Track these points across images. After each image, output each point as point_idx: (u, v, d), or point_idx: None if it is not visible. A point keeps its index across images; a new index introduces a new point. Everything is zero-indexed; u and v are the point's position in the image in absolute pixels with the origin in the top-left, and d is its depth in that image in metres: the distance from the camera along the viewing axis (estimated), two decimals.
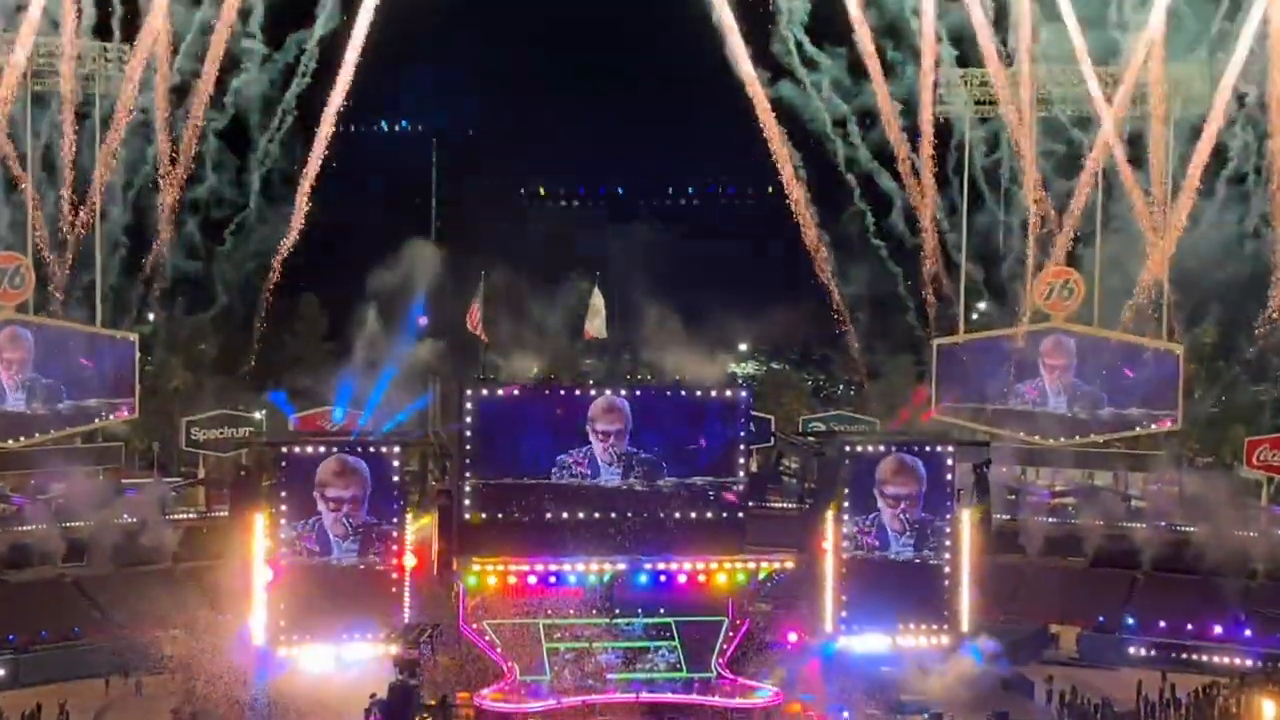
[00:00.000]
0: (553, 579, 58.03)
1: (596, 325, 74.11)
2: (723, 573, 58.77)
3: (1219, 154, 72.75)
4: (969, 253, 76.30)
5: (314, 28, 73.10)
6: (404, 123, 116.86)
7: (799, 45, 74.40)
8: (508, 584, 57.97)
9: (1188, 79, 72.67)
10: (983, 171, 76.27)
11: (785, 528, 64.10)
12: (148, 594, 61.51)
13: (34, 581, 65.19)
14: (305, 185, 73.58)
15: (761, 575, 59.22)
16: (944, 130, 75.49)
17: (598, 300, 72.80)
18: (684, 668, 57.97)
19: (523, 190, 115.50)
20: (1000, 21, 73.10)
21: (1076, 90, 73.36)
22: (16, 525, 65.97)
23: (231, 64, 72.94)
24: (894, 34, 74.09)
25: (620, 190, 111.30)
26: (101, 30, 70.32)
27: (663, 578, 58.53)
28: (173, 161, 72.38)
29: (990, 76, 73.44)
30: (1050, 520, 71.47)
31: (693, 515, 60.05)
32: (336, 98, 72.53)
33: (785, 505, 70.41)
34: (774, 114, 74.66)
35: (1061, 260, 74.48)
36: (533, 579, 57.80)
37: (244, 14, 72.29)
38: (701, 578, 58.73)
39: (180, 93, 72.64)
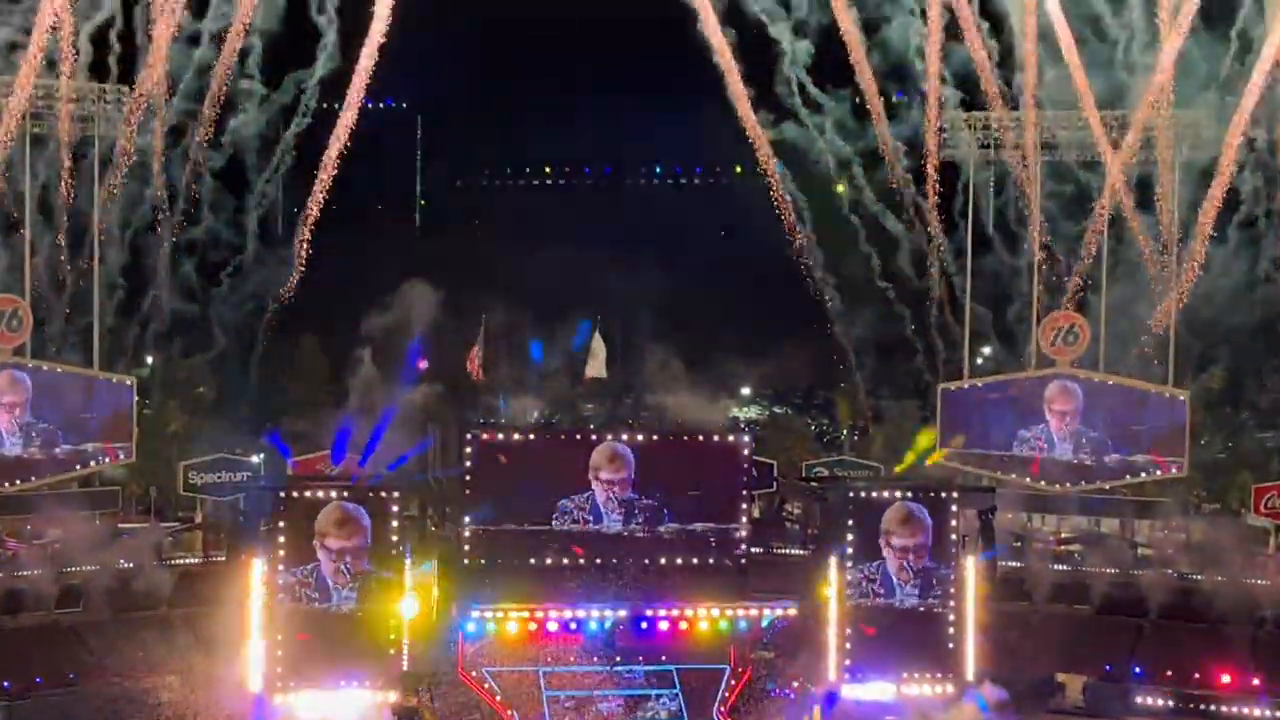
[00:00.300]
0: (553, 626, 58.58)
1: (596, 366, 74.57)
2: (725, 620, 59.45)
3: (1229, 198, 73.43)
4: (976, 296, 76.71)
5: (314, 68, 74.12)
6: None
7: (802, 87, 75.36)
8: (507, 631, 58.59)
9: (1196, 123, 73.32)
10: (989, 214, 76.95)
11: (788, 574, 64.70)
12: (143, 640, 61.96)
13: (29, 627, 65.44)
14: (305, 231, 74.28)
15: (764, 622, 59.85)
16: (950, 172, 76.22)
17: (598, 343, 73.36)
18: (685, 715, 58.65)
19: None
20: (1005, 61, 74.09)
21: (1083, 134, 73.89)
22: (11, 570, 66.20)
23: (229, 104, 73.86)
24: (898, 76, 75.14)
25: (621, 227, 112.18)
26: (98, 69, 71.02)
27: (664, 625, 59.21)
28: (170, 203, 73.20)
29: (995, 120, 74.24)
30: (1056, 567, 71.64)
31: (694, 561, 60.74)
32: (337, 142, 73.21)
33: (788, 551, 70.82)
34: (777, 156, 75.75)
35: (1072, 304, 75.07)
36: (533, 626, 58.47)
37: (242, 54, 73.16)
38: (703, 625, 59.40)
39: (178, 133, 73.54)
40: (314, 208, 73.99)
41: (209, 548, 71.02)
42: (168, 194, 73.56)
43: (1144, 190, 74.78)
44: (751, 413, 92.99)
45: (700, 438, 62.10)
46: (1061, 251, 76.15)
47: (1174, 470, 73.23)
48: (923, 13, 73.64)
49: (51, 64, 69.44)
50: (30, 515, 69.63)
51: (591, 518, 60.51)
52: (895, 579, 59.73)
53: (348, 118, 73.18)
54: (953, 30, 73.51)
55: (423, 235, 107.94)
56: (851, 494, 60.75)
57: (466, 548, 59.93)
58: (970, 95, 74.94)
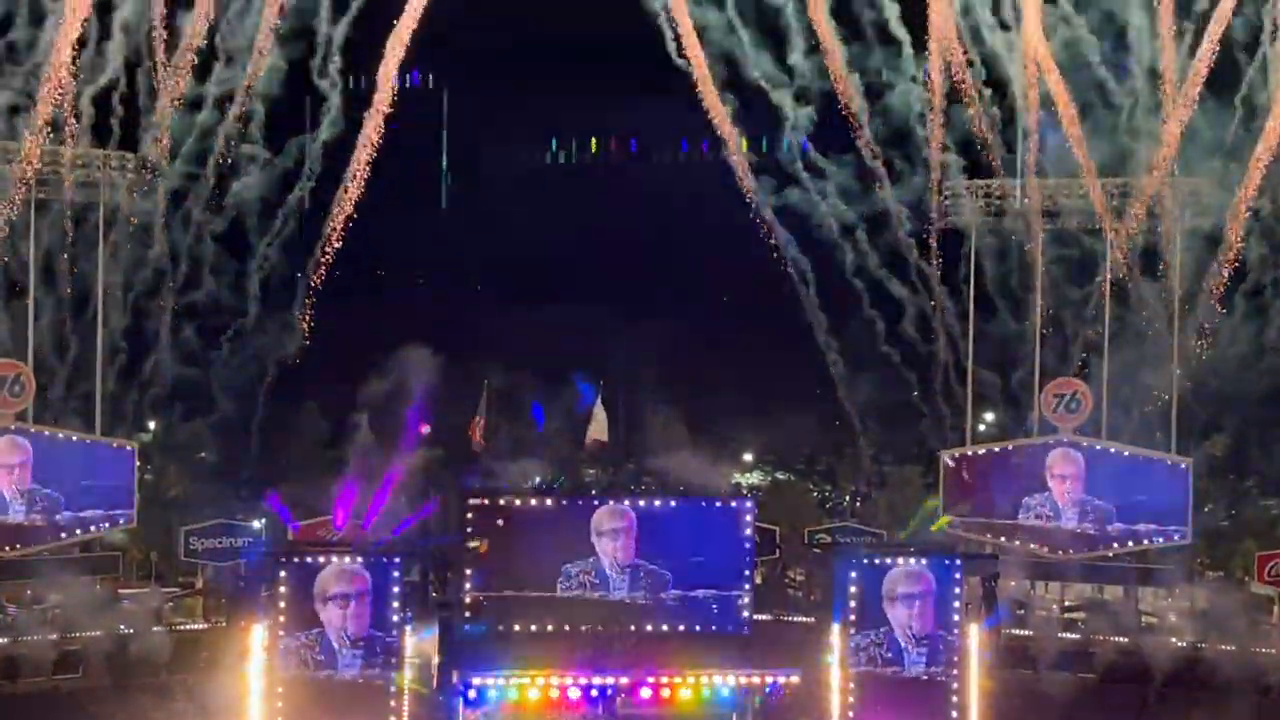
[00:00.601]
0: (555, 693, 59.13)
1: (598, 430, 75.30)
2: (727, 687, 59.91)
3: (1236, 267, 74.42)
4: (982, 362, 77.56)
5: (318, 132, 75.41)
6: None
7: (804, 152, 76.52)
8: (509, 698, 59.10)
9: (1200, 190, 74.50)
10: (994, 280, 77.86)
11: (791, 641, 65.16)
12: (142, 706, 62.85)
13: (28, 693, 66.21)
14: (308, 295, 75.55)
15: (766, 689, 60.28)
16: (955, 237, 77.24)
17: (599, 409, 74.17)
18: None
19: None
20: (1008, 128, 75.29)
21: (1086, 201, 74.98)
22: (11, 635, 66.87)
23: (231, 168, 75.10)
24: (900, 142, 76.28)
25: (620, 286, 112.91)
26: (100, 132, 72.25)
27: (666, 692, 59.62)
28: (174, 265, 74.30)
29: (997, 188, 75.37)
30: (1061, 635, 72.16)
31: (697, 628, 61.35)
32: (340, 212, 74.45)
33: (791, 618, 71.43)
34: (780, 221, 76.94)
35: (1075, 371, 75.89)
36: (534, 693, 58.97)
37: (245, 119, 74.39)
38: (706, 692, 59.83)
39: (179, 197, 74.72)
40: (316, 277, 75.21)
41: (210, 613, 71.86)
42: (169, 258, 74.78)
43: (1150, 256, 75.85)
44: (754, 478, 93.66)
45: (703, 503, 62.86)
46: (1066, 317, 77.13)
47: (1177, 538, 73.91)
48: (925, 79, 75.27)
49: (54, 127, 70.88)
50: (30, 580, 70.51)
51: (597, 581, 61.23)
52: (898, 644, 60.28)
53: (351, 191, 74.62)
54: (955, 95, 75.10)
55: (427, 299, 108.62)
56: (855, 559, 61.36)
57: (468, 614, 60.62)
58: (973, 161, 76.33)
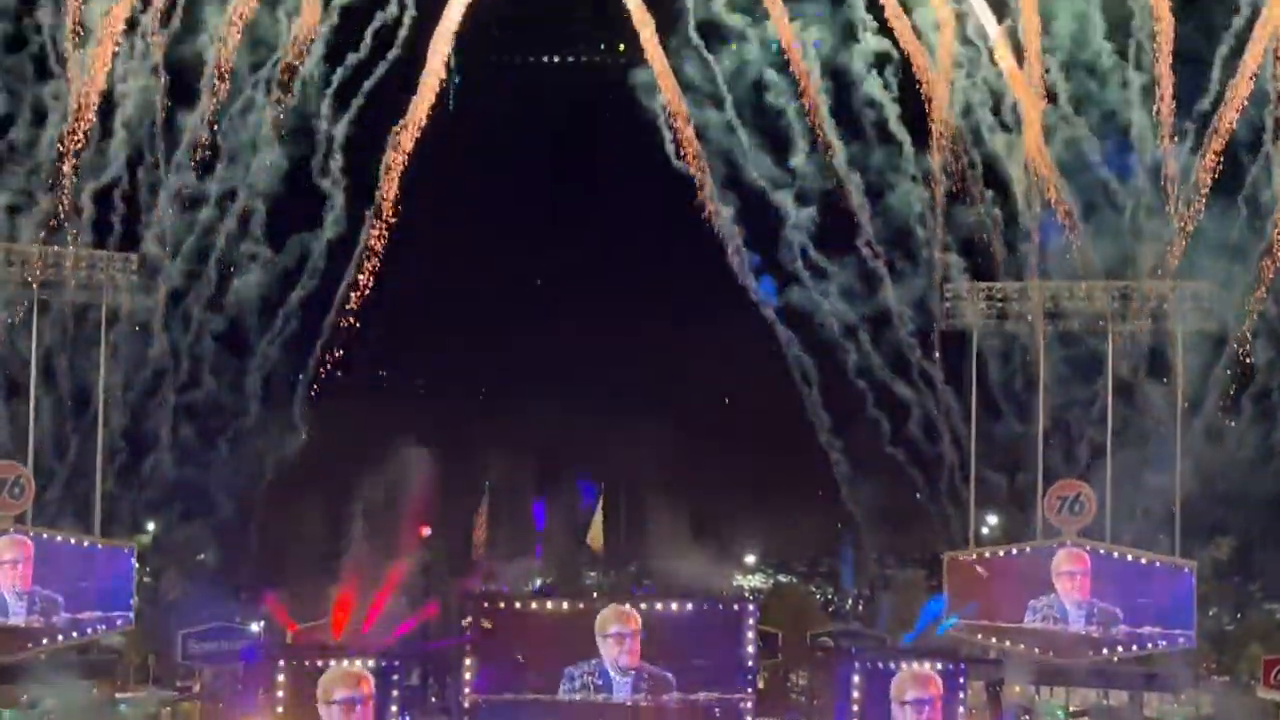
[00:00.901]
0: None
1: (594, 536, 75.80)
2: None
3: (1244, 370, 75.14)
4: (986, 464, 77.85)
5: (321, 232, 76.35)
6: None
7: (804, 252, 77.38)
8: None
9: (1204, 293, 75.27)
10: (997, 381, 78.41)
11: None
12: None
13: None
14: (307, 395, 76.39)
15: None
16: (958, 338, 77.85)
17: (598, 513, 74.66)
18: None
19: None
20: (1011, 227, 76.22)
21: (1088, 304, 75.63)
22: None
23: (231, 266, 76.02)
24: (901, 241, 77.13)
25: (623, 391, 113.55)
26: (100, 229, 73.19)
27: None
28: (174, 365, 75.05)
29: (999, 290, 76.15)
30: None
31: None
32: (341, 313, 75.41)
33: None
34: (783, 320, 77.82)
35: (1079, 473, 76.34)
36: None
37: (245, 218, 75.40)
38: None
39: (179, 295, 75.53)
40: (317, 383, 76.06)
41: (208, 717, 72.09)
42: (171, 355, 75.51)
43: (1156, 357, 76.43)
44: (755, 580, 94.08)
45: (705, 606, 63.39)
46: (1072, 417, 77.62)
47: (1182, 641, 74.21)
48: (926, 179, 76.30)
49: (55, 227, 71.85)
50: (26, 683, 70.68)
51: (601, 683, 61.66)
52: None
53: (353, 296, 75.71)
54: (956, 196, 76.15)
55: (427, 397, 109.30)
56: (859, 663, 61.75)
57: (467, 718, 61.04)
58: (975, 261, 77.16)
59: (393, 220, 75.69)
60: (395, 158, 75.11)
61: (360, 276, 75.65)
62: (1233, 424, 75.77)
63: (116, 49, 72.04)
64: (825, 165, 75.84)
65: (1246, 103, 73.92)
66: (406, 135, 74.90)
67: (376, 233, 75.45)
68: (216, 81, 73.85)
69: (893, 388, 78.40)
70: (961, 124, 75.64)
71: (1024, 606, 75.38)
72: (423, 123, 75.17)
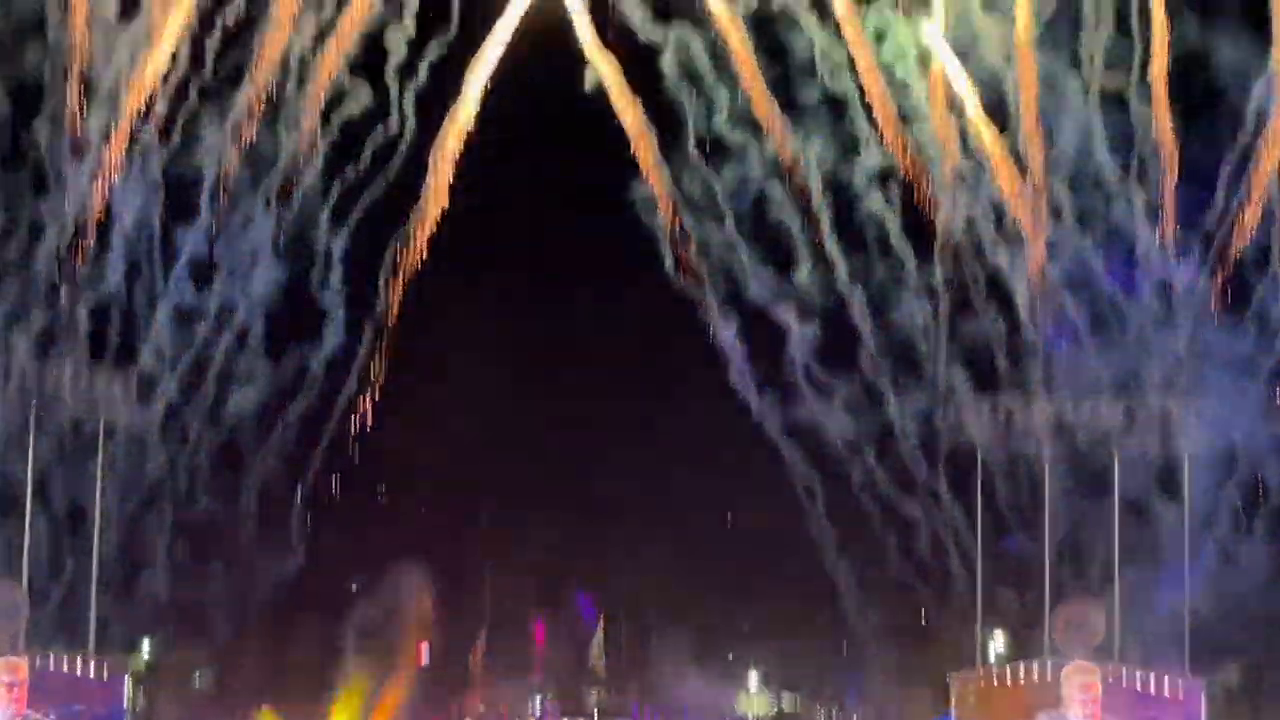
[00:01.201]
0: None
1: (596, 655, 75.63)
2: None
3: (1257, 490, 75.26)
4: (993, 581, 77.82)
5: (321, 345, 76.58)
6: None
7: (807, 369, 77.64)
8: None
9: (1212, 410, 75.27)
10: (1003, 497, 78.44)
11: None
12: None
13: None
14: (305, 509, 76.41)
15: None
16: (964, 454, 77.97)
17: (599, 635, 74.61)
18: None
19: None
20: (1014, 338, 76.53)
21: (1096, 419, 75.82)
22: None
23: (229, 381, 76.15)
24: (905, 355, 77.37)
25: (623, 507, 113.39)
26: (96, 342, 73.47)
27: None
28: (170, 478, 75.08)
29: (1004, 406, 76.38)
30: None
31: None
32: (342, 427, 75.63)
33: None
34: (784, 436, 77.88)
35: (1089, 591, 76.25)
36: None
37: (241, 334, 75.63)
38: None
39: (175, 410, 75.61)
40: (319, 504, 76.20)
41: None
42: (168, 467, 75.55)
43: (1166, 473, 76.35)
44: (759, 705, 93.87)
45: None
46: (1081, 534, 77.52)
47: None
48: (930, 292, 76.61)
49: (48, 340, 72.10)
50: None
51: None
52: None
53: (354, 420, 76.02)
54: (960, 308, 76.43)
55: (425, 514, 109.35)
56: None
57: None
58: (979, 375, 77.34)
59: (394, 336, 76.08)
60: (395, 281, 75.48)
61: (360, 397, 75.95)
62: (1245, 543, 75.81)
63: (116, 168, 72.70)
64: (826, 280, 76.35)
65: (1256, 219, 74.46)
66: (408, 255, 75.31)
67: (377, 350, 75.73)
68: (218, 194, 74.50)
69: (897, 505, 78.66)
70: (963, 238, 76.13)
71: None
72: (424, 252, 75.64)
